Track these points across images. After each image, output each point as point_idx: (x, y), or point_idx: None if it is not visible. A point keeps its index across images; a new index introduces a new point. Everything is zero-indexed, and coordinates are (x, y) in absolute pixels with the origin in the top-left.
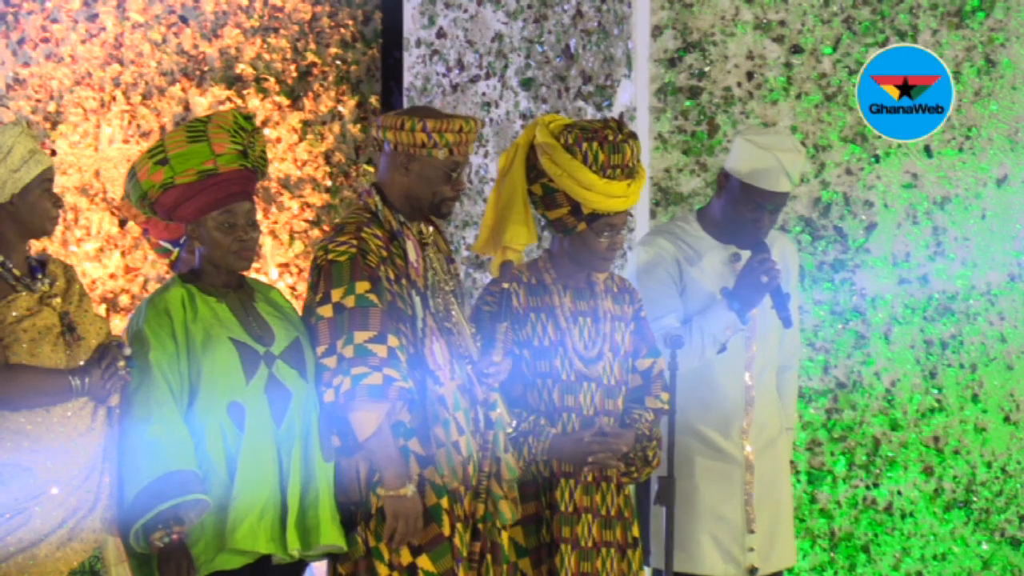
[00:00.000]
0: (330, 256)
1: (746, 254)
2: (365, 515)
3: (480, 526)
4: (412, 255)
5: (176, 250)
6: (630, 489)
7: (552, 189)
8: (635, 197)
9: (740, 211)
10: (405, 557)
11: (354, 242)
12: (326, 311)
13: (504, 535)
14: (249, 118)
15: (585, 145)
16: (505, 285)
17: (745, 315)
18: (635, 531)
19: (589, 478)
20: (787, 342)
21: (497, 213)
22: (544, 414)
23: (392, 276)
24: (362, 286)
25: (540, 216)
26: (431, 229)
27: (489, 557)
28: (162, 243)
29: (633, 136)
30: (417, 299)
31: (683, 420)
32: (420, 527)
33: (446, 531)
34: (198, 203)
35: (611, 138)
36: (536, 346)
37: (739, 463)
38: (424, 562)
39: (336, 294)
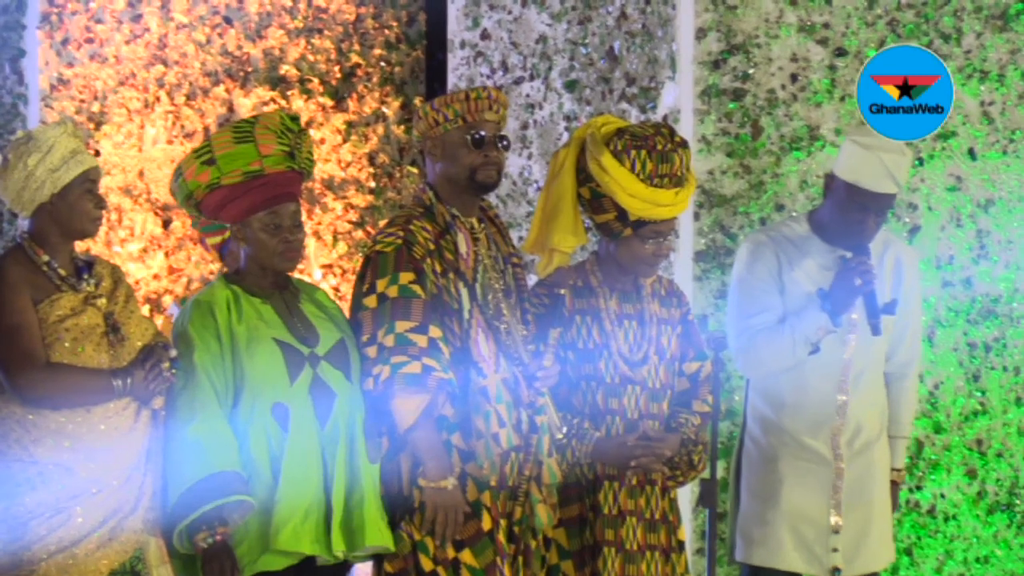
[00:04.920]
0: (377, 247)
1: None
2: (409, 510)
3: (516, 528)
4: (463, 248)
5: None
6: (676, 492)
7: (599, 194)
8: (683, 205)
9: (845, 213)
10: (449, 552)
11: (400, 234)
12: (371, 301)
13: (538, 539)
14: (296, 119)
15: (633, 153)
16: (561, 291)
17: (837, 317)
18: (680, 535)
19: (633, 481)
20: (902, 351)
21: (545, 215)
22: (588, 417)
23: (439, 269)
24: (406, 277)
25: (587, 219)
26: (482, 225)
27: (520, 560)
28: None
29: (683, 144)
30: (464, 291)
31: (774, 418)
32: (461, 520)
33: (487, 525)
34: (244, 204)
35: (660, 147)
36: (581, 348)
37: (827, 463)
38: (467, 556)
39: (381, 284)
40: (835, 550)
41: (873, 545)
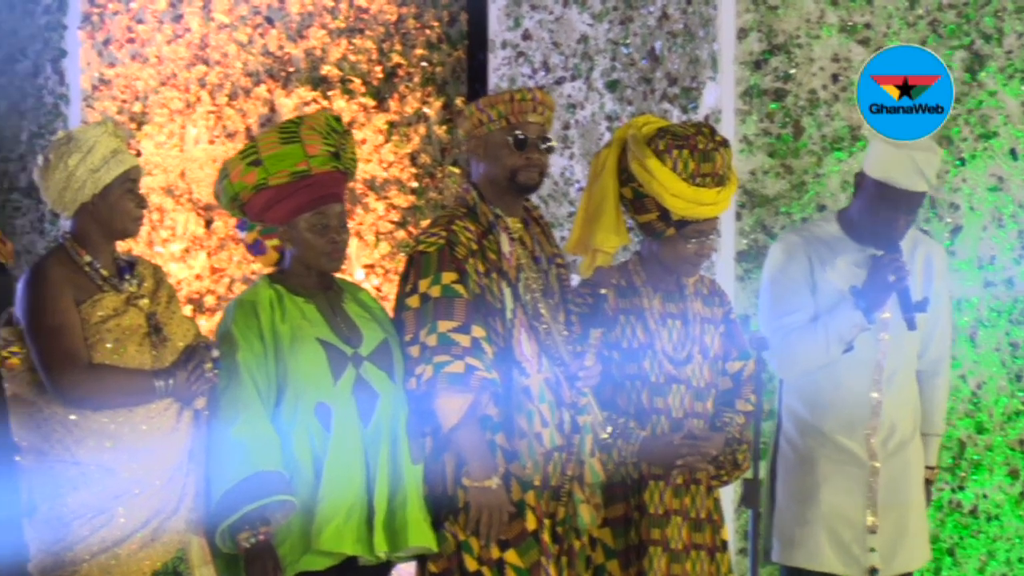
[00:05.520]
0: (420, 247)
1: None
2: (453, 510)
3: (559, 529)
4: (506, 248)
5: None
6: (719, 492)
7: (642, 194)
8: (725, 204)
9: (875, 211)
10: (494, 552)
11: (443, 234)
12: (413, 301)
13: (584, 539)
14: (340, 120)
15: (675, 152)
16: (603, 291)
17: (871, 314)
18: (724, 534)
19: (678, 480)
20: (933, 347)
21: (588, 216)
22: (633, 416)
23: (482, 269)
24: (448, 276)
25: (629, 219)
26: (522, 225)
27: (564, 560)
28: None
29: (724, 143)
30: (507, 291)
31: (809, 418)
32: (505, 520)
33: (531, 525)
34: (291, 204)
35: (701, 146)
36: (625, 348)
37: (863, 464)
38: (512, 556)
39: (423, 284)
40: (872, 550)
41: (910, 545)
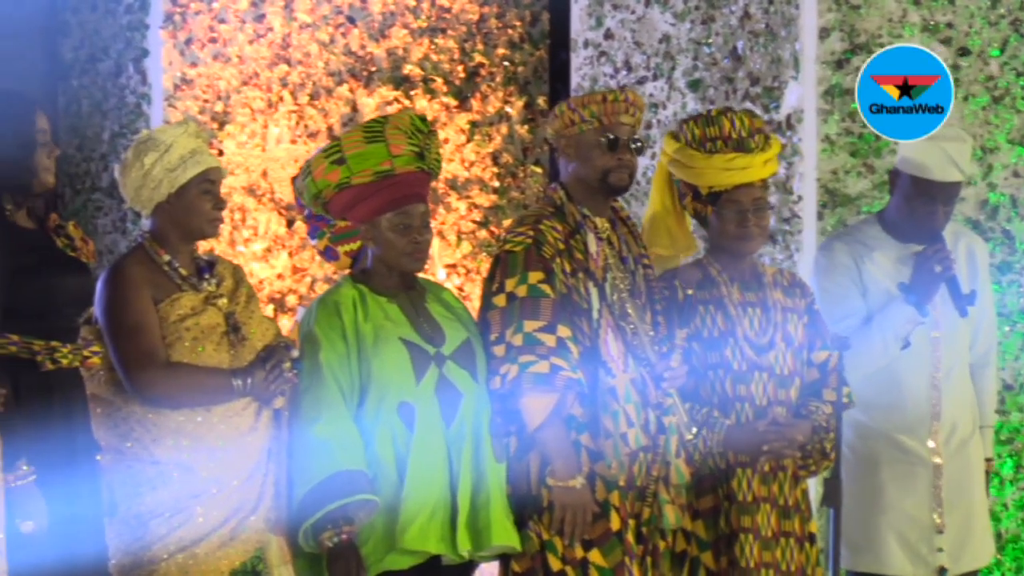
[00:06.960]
0: (507, 247)
1: None
2: (537, 509)
3: (643, 529)
4: (593, 247)
5: None
6: (806, 484)
7: (677, 183)
8: (752, 172)
9: (913, 206)
10: (578, 551)
11: (531, 233)
12: (500, 300)
13: (668, 540)
14: (424, 119)
15: (684, 127)
16: (690, 291)
17: (923, 307)
18: (812, 527)
19: (765, 468)
20: (981, 339)
21: (646, 228)
22: (717, 405)
23: (569, 269)
24: (535, 276)
25: (693, 219)
26: (607, 225)
27: (648, 561)
28: None
29: (740, 112)
30: (594, 291)
31: (868, 422)
32: (589, 520)
33: (615, 526)
34: (373, 204)
35: (706, 114)
36: (706, 337)
37: (927, 464)
38: (595, 556)
39: (510, 284)
40: (940, 550)
41: (976, 542)
